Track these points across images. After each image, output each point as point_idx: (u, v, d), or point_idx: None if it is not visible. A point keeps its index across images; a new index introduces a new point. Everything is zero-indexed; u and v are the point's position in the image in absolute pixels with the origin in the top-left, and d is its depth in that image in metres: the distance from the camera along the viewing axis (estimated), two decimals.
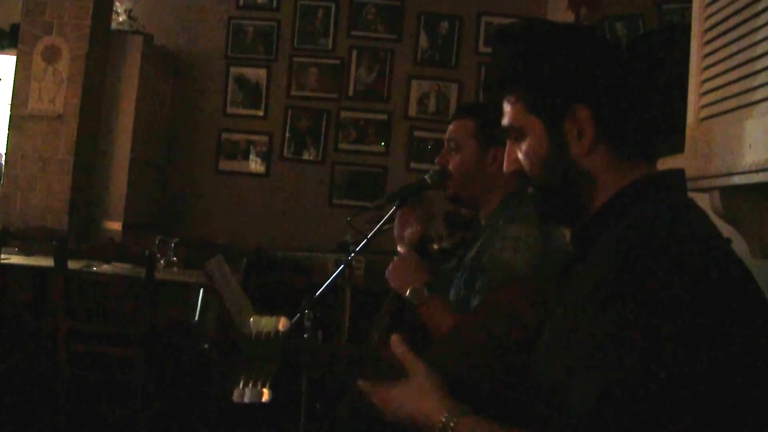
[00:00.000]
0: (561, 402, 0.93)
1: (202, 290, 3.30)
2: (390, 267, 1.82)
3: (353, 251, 2.02)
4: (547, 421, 0.96)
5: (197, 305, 3.17)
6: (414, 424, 1.10)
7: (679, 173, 1.09)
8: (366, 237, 1.99)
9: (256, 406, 1.15)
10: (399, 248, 1.88)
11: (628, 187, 1.05)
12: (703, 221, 1.02)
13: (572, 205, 1.10)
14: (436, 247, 1.91)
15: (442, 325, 1.65)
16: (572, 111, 1.06)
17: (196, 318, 2.88)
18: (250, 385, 1.15)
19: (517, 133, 1.13)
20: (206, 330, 2.82)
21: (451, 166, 1.87)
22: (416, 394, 1.09)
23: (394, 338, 1.16)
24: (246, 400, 1.14)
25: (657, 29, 3.54)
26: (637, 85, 1.09)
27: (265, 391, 1.15)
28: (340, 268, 1.98)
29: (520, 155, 1.13)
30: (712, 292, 0.89)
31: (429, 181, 1.95)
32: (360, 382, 1.16)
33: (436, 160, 1.94)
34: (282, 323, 1.18)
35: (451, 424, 1.02)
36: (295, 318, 1.86)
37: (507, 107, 1.14)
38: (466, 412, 1.04)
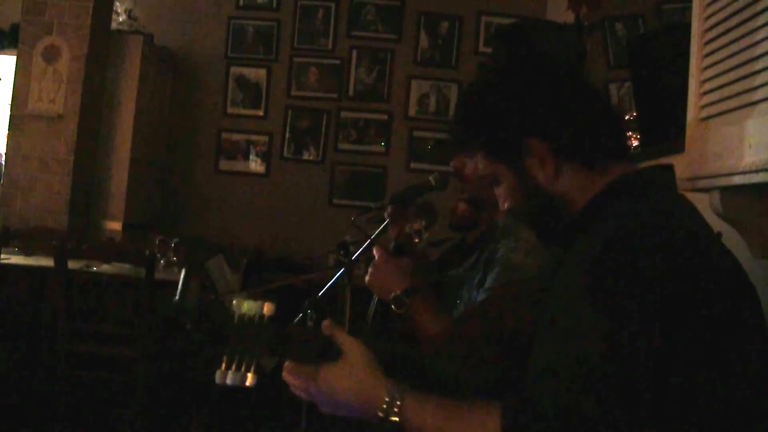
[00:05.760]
0: (540, 377, 0.93)
1: (184, 270, 3.27)
2: (368, 276, 1.77)
3: (354, 252, 2.02)
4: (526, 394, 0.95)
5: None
6: (348, 406, 1.06)
7: (664, 168, 1.11)
8: (368, 237, 1.99)
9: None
10: (374, 251, 1.82)
11: (600, 193, 1.08)
12: (684, 212, 1.03)
13: (558, 224, 1.13)
14: (417, 240, 1.88)
15: (427, 329, 1.64)
16: (526, 146, 1.09)
17: (177, 297, 2.86)
18: (233, 367, 1.11)
19: (492, 180, 1.17)
20: (187, 309, 2.80)
21: (467, 170, 1.86)
22: (351, 372, 1.06)
23: (325, 323, 1.13)
24: (228, 382, 1.11)
25: (657, 29, 3.54)
26: (579, 100, 1.10)
27: (250, 375, 1.11)
28: (341, 271, 1.98)
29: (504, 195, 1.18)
30: (682, 273, 0.90)
31: (433, 182, 1.95)
32: (286, 362, 1.12)
33: (450, 163, 1.92)
34: (267, 308, 1.14)
35: (397, 402, 1.00)
36: (298, 318, 1.87)
37: (475, 160, 1.18)
38: (407, 388, 1.01)
